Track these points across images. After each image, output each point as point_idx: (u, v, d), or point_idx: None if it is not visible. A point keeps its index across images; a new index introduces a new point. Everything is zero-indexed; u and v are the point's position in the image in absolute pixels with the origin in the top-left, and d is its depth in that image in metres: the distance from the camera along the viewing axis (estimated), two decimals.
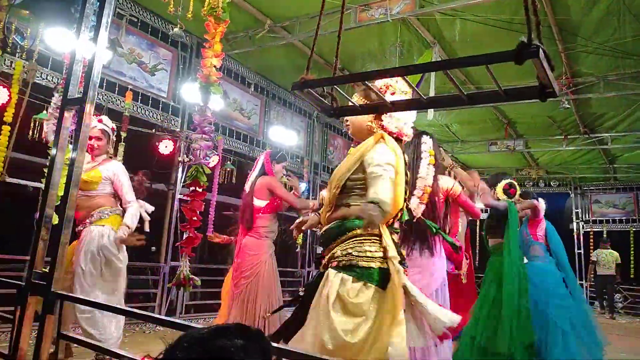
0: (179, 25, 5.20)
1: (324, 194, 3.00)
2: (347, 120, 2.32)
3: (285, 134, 8.33)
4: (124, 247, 3.37)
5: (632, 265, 11.59)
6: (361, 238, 1.98)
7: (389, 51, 6.41)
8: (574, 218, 12.59)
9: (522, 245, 4.34)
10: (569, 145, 9.68)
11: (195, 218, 3.53)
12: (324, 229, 2.13)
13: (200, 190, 3.55)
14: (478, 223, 13.01)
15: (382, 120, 2.15)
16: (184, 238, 3.79)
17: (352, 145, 2.36)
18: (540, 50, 0.81)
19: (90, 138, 3.36)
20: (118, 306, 2.24)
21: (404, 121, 2.16)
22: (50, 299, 1.96)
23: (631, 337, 7.69)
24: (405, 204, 2.18)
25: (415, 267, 2.97)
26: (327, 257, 2.05)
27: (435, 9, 5.30)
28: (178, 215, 6.29)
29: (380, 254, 1.96)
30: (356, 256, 1.95)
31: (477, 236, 12.21)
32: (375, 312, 1.88)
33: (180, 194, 6.39)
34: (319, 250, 3.05)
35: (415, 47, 6.38)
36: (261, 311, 3.64)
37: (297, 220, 2.72)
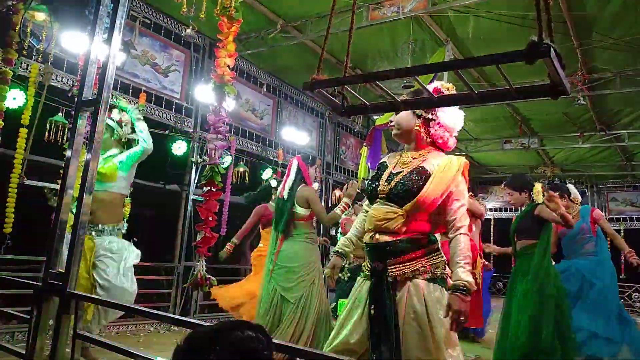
0: (191, 27, 5.23)
1: (337, 193, 3.00)
2: (391, 121, 2.32)
3: (297, 134, 8.34)
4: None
5: None
6: (439, 252, 2.16)
7: (401, 49, 6.37)
8: None
9: (573, 243, 4.34)
10: (585, 142, 9.54)
11: (211, 218, 3.54)
12: (397, 238, 2.13)
13: (216, 190, 3.57)
14: (493, 222, 12.95)
15: (430, 128, 2.18)
16: (198, 238, 3.81)
17: (399, 150, 2.38)
18: (551, 49, 0.80)
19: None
20: (133, 306, 2.26)
21: (449, 134, 2.21)
22: (67, 299, 1.99)
23: None
24: None
25: None
26: (402, 267, 2.10)
27: (448, 6, 5.26)
28: (192, 215, 6.34)
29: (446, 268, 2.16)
30: (442, 269, 2.14)
31: (492, 236, 12.13)
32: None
33: (194, 194, 6.44)
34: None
35: (427, 45, 6.34)
36: (316, 316, 3.69)
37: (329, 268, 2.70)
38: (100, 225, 3.36)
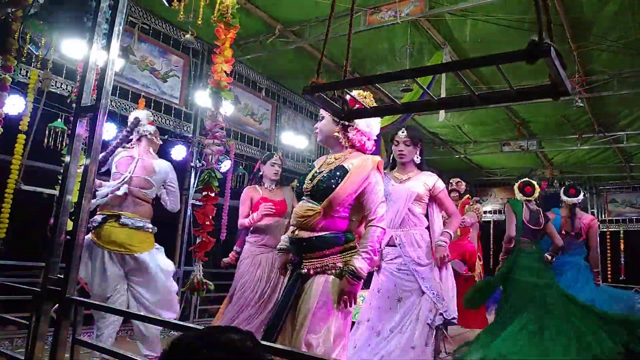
0: (190, 32, 5.24)
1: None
2: (316, 128, 2.53)
3: (296, 138, 8.34)
4: None
5: None
6: (350, 252, 2.26)
7: (399, 53, 6.38)
8: None
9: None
10: (584, 144, 9.55)
11: (207, 222, 3.54)
12: (313, 235, 2.26)
13: (213, 194, 3.57)
14: (492, 224, 12.96)
15: (348, 133, 2.39)
16: (196, 243, 3.80)
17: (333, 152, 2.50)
18: (552, 48, 0.80)
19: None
20: (131, 311, 2.25)
21: (366, 138, 2.42)
22: (65, 304, 1.98)
23: None
24: None
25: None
26: (314, 262, 2.24)
27: (445, 10, 5.27)
28: (191, 220, 6.33)
29: None
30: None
31: (491, 238, 12.13)
32: None
33: (193, 199, 6.43)
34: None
35: (425, 49, 6.36)
36: None
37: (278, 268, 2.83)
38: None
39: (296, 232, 2.31)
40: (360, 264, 2.15)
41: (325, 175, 2.33)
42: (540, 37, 0.81)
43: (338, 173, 2.29)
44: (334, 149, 2.49)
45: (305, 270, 2.25)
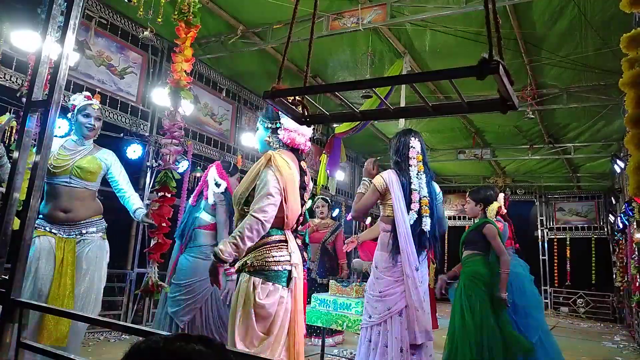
0: (149, 29, 5.13)
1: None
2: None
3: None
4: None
5: (593, 272, 11.98)
6: (269, 246, 2.30)
7: (360, 60, 6.47)
8: (539, 225, 12.96)
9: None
10: (534, 154, 9.96)
11: (164, 224, 3.47)
12: None
13: (170, 195, 3.50)
14: (447, 231, 13.26)
15: (278, 134, 2.49)
16: (151, 244, 3.72)
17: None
18: (500, 66, 0.84)
19: (89, 116, 3.24)
20: (80, 314, 2.18)
21: (295, 134, 2.48)
22: (10, 306, 1.91)
23: (593, 340, 7.93)
24: (304, 209, 2.50)
25: (396, 278, 2.95)
26: (239, 263, 2.33)
27: (406, 20, 5.39)
28: None
29: (288, 258, 2.32)
30: (268, 262, 2.27)
31: (446, 243, 12.42)
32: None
33: (148, 199, 6.29)
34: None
35: (386, 57, 6.47)
36: None
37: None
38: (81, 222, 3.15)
39: None
40: (223, 246, 2.20)
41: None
42: (490, 55, 0.85)
43: (247, 175, 2.42)
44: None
45: (238, 267, 2.35)
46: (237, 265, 2.35)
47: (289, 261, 2.32)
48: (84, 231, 3.12)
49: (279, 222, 2.35)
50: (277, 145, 2.53)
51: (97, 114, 3.29)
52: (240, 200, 2.36)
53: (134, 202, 3.31)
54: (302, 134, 2.52)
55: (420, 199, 3.00)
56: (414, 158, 3.09)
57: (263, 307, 2.22)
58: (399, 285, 2.91)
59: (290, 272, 2.32)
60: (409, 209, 2.98)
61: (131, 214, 3.33)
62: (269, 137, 2.55)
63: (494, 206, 4.19)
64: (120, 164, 3.37)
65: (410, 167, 3.05)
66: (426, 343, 2.92)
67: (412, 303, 2.86)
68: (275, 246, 2.32)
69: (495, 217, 4.40)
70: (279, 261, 2.30)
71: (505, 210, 4.77)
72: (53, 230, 3.04)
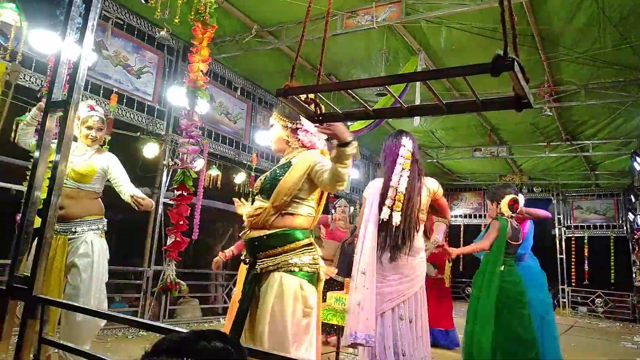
0: (165, 29, 5.19)
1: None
2: (270, 137, 2.58)
3: None
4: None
5: (612, 271, 11.79)
6: (304, 249, 2.27)
7: (374, 58, 6.45)
8: (556, 224, 12.78)
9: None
10: (552, 152, 9.83)
11: (181, 222, 3.51)
12: (264, 233, 2.27)
13: (187, 194, 3.54)
14: (462, 228, 13.19)
15: (298, 135, 2.43)
16: (169, 242, 3.76)
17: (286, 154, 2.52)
18: (515, 62, 0.83)
19: (90, 128, 3.34)
20: (101, 310, 2.22)
21: (316, 138, 2.45)
22: (32, 303, 1.95)
23: (612, 340, 7.82)
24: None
25: (394, 272, 3.08)
26: (267, 261, 2.23)
27: (421, 17, 5.36)
28: (162, 219, 6.25)
29: (318, 260, 2.32)
30: (307, 264, 2.26)
31: (461, 242, 12.34)
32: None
33: (165, 197, 6.36)
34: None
35: (401, 54, 6.44)
36: None
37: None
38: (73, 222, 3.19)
39: (248, 233, 2.32)
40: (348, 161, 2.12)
41: (271, 172, 2.40)
42: (505, 51, 0.85)
43: (285, 168, 2.33)
44: (284, 152, 2.53)
45: (260, 268, 2.23)
46: (264, 264, 2.24)
47: (318, 263, 2.32)
48: (73, 229, 3.18)
49: (309, 223, 2.36)
50: (297, 146, 2.47)
51: (98, 125, 3.36)
52: (289, 191, 2.26)
53: (127, 190, 3.32)
54: (322, 138, 2.49)
55: (395, 195, 3.09)
56: (402, 156, 3.17)
57: (312, 309, 2.22)
58: (384, 286, 3.06)
59: (319, 273, 2.32)
60: (383, 205, 3.11)
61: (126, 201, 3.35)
62: (287, 136, 2.48)
63: (505, 201, 4.17)
64: (118, 165, 3.39)
65: (395, 165, 3.15)
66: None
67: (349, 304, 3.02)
68: (309, 248, 2.31)
69: (515, 212, 4.32)
70: (312, 263, 2.29)
71: (523, 208, 4.71)
72: None
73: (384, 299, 3.02)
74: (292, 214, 2.29)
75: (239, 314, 2.22)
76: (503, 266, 3.95)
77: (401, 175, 3.13)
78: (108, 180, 3.38)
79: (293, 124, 2.46)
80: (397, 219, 3.07)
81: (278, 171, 2.35)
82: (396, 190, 3.10)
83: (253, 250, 2.30)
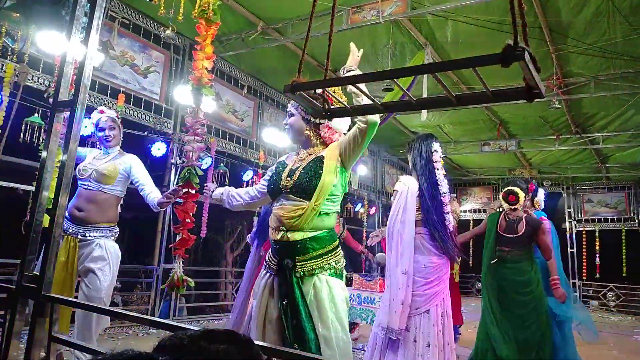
0: (170, 28, 5.18)
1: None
2: (286, 124, 2.52)
3: (278, 136, 8.32)
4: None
5: (624, 264, 11.68)
6: (338, 249, 2.29)
7: (381, 52, 6.41)
8: (567, 217, 12.68)
9: None
10: (561, 145, 9.74)
11: (188, 220, 3.51)
12: (307, 236, 2.21)
13: (193, 192, 3.54)
14: (472, 223, 13.12)
15: (320, 131, 2.40)
16: (176, 240, 3.76)
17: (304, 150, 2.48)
18: (526, 52, 0.81)
19: (103, 129, 3.39)
20: (111, 308, 2.23)
21: (338, 135, 2.41)
22: (41, 301, 1.95)
23: (624, 334, 7.75)
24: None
25: (436, 273, 3.11)
26: (309, 264, 2.18)
27: (427, 11, 5.32)
28: (171, 217, 6.27)
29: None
30: (342, 264, 2.31)
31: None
32: None
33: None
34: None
35: (407, 49, 6.40)
36: None
37: None
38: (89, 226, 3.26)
39: (287, 235, 2.21)
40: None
41: (305, 167, 2.28)
42: (515, 41, 0.83)
43: (318, 164, 2.25)
44: (303, 145, 2.47)
45: (302, 272, 2.17)
46: (307, 267, 2.19)
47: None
48: (86, 234, 3.22)
49: (333, 221, 2.34)
50: (316, 141, 2.42)
51: (109, 124, 3.42)
52: (329, 190, 2.22)
53: (155, 196, 3.37)
54: (342, 135, 2.43)
55: (449, 200, 3.22)
56: (437, 162, 3.24)
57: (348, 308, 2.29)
58: (428, 286, 3.07)
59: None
60: (440, 211, 3.11)
61: (152, 208, 3.40)
62: (308, 130, 2.42)
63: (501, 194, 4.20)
64: (141, 165, 3.47)
65: (436, 171, 3.21)
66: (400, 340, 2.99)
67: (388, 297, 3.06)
68: (339, 248, 2.32)
69: (513, 204, 4.26)
70: (342, 263, 2.32)
71: (528, 203, 4.65)
72: (64, 227, 3.16)
73: (429, 299, 3.05)
74: (327, 214, 2.26)
75: (299, 321, 2.12)
76: (495, 261, 3.92)
77: (444, 181, 3.21)
78: (131, 183, 3.44)
79: (316, 118, 2.41)
80: (451, 222, 3.16)
81: (310, 167, 2.26)
82: (449, 195, 3.24)
83: (293, 253, 2.20)
